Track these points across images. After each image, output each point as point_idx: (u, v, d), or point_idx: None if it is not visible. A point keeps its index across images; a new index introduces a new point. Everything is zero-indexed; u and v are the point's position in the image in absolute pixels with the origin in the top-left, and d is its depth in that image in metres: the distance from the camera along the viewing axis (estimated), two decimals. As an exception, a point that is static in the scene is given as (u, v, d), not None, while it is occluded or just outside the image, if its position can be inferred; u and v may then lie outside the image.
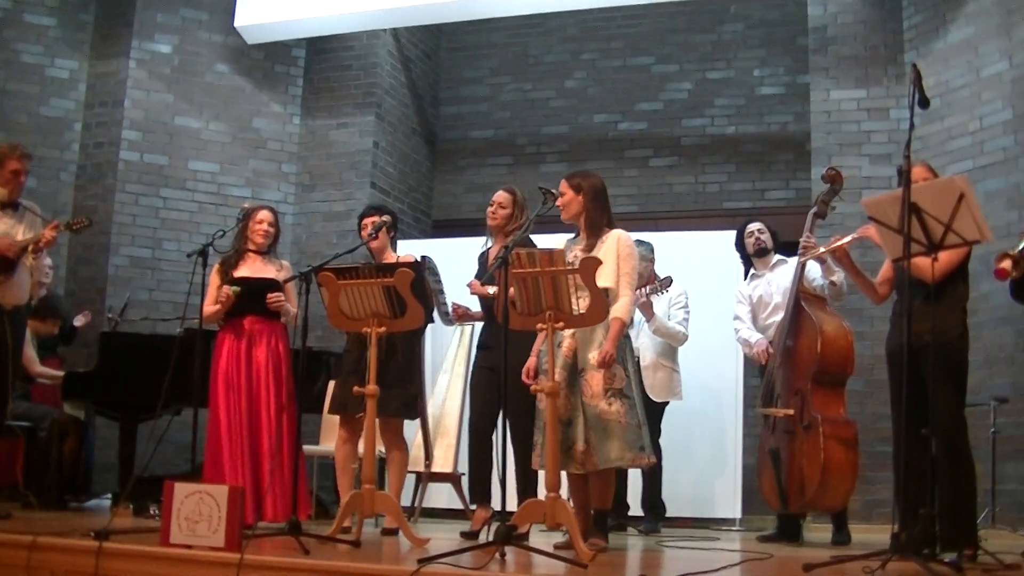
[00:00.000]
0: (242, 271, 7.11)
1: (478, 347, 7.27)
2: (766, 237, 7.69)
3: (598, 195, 6.21)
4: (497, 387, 6.71)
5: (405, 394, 6.81)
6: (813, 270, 7.07)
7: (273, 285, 7.06)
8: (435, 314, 7.44)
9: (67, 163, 10.96)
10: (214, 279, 7.08)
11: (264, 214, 7.26)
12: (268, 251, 7.28)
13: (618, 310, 5.96)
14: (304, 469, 7.11)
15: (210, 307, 7.04)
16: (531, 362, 6.17)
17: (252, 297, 7.00)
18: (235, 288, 6.88)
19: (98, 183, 10.81)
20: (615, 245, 6.06)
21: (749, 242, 7.70)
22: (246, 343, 7.06)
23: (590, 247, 6.08)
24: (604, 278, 5.80)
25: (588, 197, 6.16)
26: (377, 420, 6.11)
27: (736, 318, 7.69)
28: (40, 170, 10.37)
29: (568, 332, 5.92)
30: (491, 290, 6.74)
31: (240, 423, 6.91)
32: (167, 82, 11.08)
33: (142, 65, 11.02)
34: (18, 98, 10.87)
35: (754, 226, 7.74)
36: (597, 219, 6.17)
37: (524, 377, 6.11)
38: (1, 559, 5.27)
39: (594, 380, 5.88)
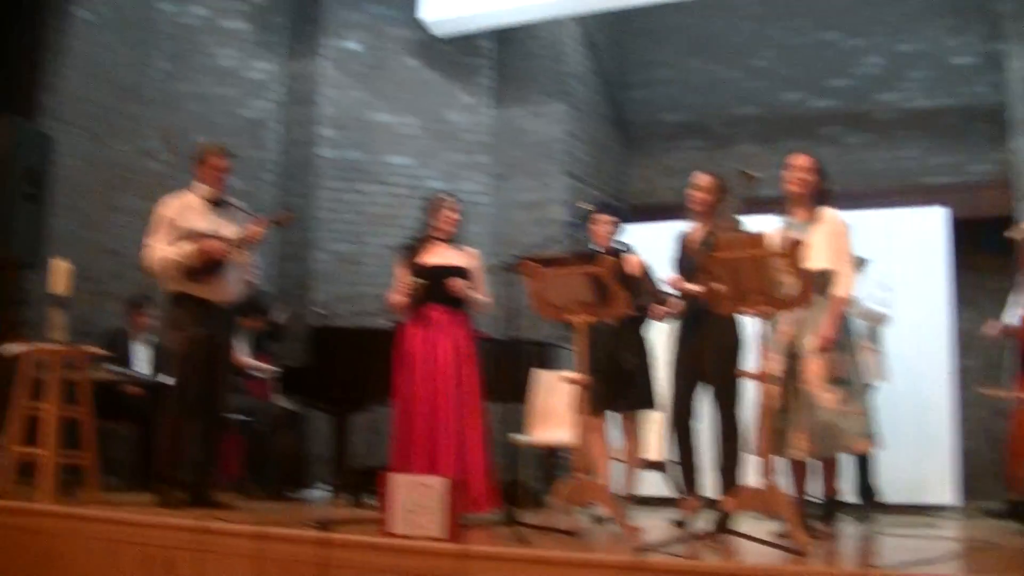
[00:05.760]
0: (427, 259, 7.11)
1: (677, 337, 7.21)
2: None
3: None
4: (698, 374, 6.75)
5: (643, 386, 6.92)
6: None
7: (455, 271, 7.05)
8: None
9: (267, 162, 11.26)
10: (399, 269, 7.13)
11: (454, 203, 7.27)
12: (453, 239, 7.27)
13: (837, 287, 5.95)
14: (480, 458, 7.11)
15: (396, 297, 7.10)
16: None
17: (436, 286, 6.99)
18: (420, 279, 6.91)
19: (298, 180, 11.08)
20: (830, 225, 6.04)
21: None
22: (430, 332, 7.02)
23: (806, 223, 6.05)
24: (819, 259, 5.81)
25: (821, 176, 6.22)
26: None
27: None
28: (242, 170, 10.58)
29: (785, 317, 5.89)
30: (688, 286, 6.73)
31: (424, 413, 6.87)
32: (359, 79, 11.28)
33: (334, 63, 11.26)
34: (218, 101, 11.21)
35: None
36: (819, 196, 6.20)
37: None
38: (229, 549, 5.43)
39: (814, 367, 5.82)
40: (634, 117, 12.56)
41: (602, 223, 7.23)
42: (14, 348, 7.06)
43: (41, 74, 9.84)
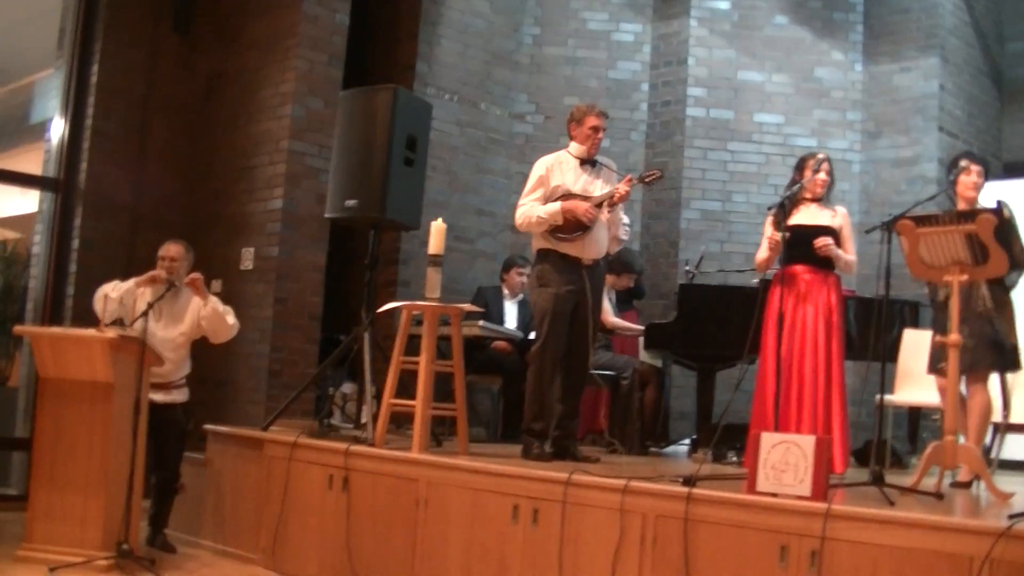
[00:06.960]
0: (796, 219, 7.01)
1: None
2: None
3: None
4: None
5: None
6: None
7: (822, 231, 6.93)
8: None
9: (636, 123, 11.39)
10: (767, 228, 7.07)
11: (824, 164, 7.15)
12: (823, 198, 7.15)
13: None
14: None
15: (763, 256, 7.05)
16: None
17: (804, 245, 6.88)
18: (783, 234, 6.81)
19: (667, 140, 11.17)
20: None
21: None
22: (797, 292, 6.93)
23: None
24: None
25: None
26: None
27: None
28: (612, 131, 10.75)
29: None
30: None
31: (788, 371, 6.79)
32: (728, 38, 11.24)
33: (703, 23, 11.26)
34: (588, 64, 11.44)
35: None
36: None
37: None
38: (593, 501, 5.53)
39: None
40: (1010, 70, 11.92)
41: (973, 173, 6.90)
42: (393, 306, 7.39)
43: (418, 44, 10.30)
